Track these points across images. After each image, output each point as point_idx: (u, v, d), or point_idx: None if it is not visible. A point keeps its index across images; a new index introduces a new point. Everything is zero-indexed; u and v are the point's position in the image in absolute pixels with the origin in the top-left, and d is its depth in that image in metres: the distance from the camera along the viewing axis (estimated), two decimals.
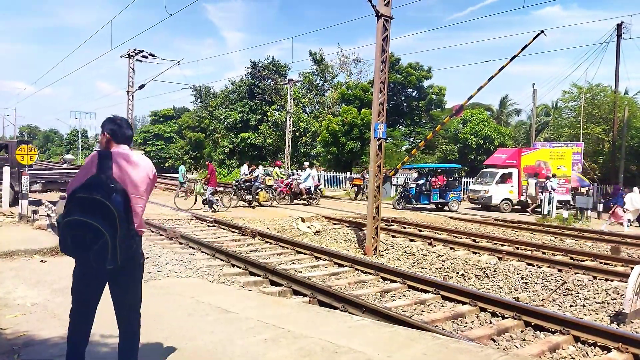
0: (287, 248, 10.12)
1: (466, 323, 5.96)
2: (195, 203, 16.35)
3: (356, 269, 8.44)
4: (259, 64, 41.56)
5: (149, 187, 2.99)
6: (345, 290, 7.08)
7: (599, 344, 5.15)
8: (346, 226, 13.55)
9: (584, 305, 6.95)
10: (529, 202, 19.59)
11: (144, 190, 2.95)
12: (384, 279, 7.87)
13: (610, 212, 15.85)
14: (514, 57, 19.88)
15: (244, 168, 22.37)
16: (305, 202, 19.42)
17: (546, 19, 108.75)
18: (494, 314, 6.21)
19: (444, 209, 19.60)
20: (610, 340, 5.08)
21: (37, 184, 14.17)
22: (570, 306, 7.00)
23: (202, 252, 9.16)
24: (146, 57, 26.84)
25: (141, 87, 27.95)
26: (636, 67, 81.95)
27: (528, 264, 9.25)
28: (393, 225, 14.25)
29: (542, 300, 7.32)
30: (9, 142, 16.32)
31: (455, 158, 31.73)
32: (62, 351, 3.15)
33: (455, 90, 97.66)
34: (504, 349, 5.10)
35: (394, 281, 7.66)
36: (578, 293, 7.40)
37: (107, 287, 2.96)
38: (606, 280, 8.02)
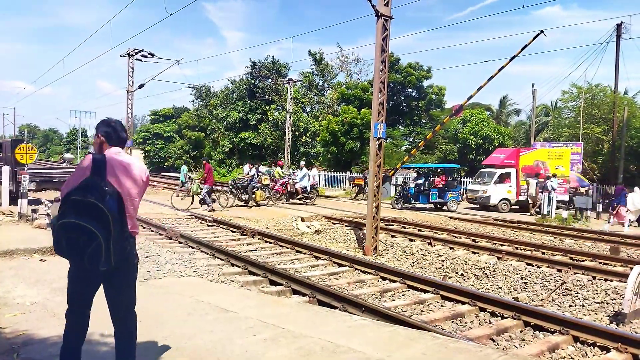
0: (287, 247, 10.12)
1: (465, 323, 5.96)
2: (192, 203, 16.32)
3: (356, 269, 8.44)
4: (259, 64, 41.57)
5: (142, 189, 3.05)
6: (345, 289, 7.08)
7: (598, 344, 5.16)
8: (346, 226, 13.55)
9: (583, 305, 6.96)
10: (530, 202, 19.57)
11: (137, 192, 3.01)
12: (384, 278, 7.87)
13: (614, 212, 15.87)
14: (514, 57, 19.89)
15: (246, 168, 22.36)
16: (301, 201, 19.36)
17: (546, 19, 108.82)
18: (493, 314, 6.22)
19: (443, 208, 19.61)
20: (609, 341, 5.08)
21: (32, 183, 14.12)
22: (570, 306, 7.00)
23: (202, 251, 9.16)
24: (146, 57, 26.84)
25: (141, 86, 27.95)
26: (636, 67, 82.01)
27: (527, 264, 9.25)
28: (392, 225, 14.25)
29: (542, 300, 7.32)
30: (4, 141, 16.29)
31: (455, 158, 31.74)
32: None
33: (454, 90, 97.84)
34: (503, 349, 5.10)
35: (394, 281, 7.66)
36: (577, 293, 7.40)
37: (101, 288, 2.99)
38: (605, 280, 8.02)
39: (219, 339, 4.15)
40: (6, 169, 13.25)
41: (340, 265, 8.73)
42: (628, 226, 15.55)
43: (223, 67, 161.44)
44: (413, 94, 37.86)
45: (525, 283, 8.07)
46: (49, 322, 4.34)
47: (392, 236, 12.38)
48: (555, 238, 13.04)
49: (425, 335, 4.48)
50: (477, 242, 11.70)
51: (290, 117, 32.31)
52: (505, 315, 6.04)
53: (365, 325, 4.79)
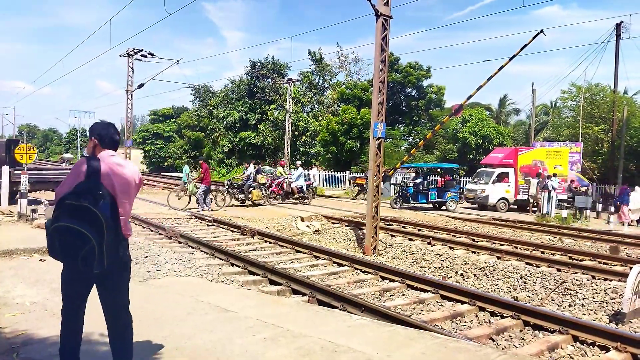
0: (287, 247, 10.12)
1: (465, 322, 5.96)
2: (189, 202, 16.28)
3: (355, 268, 8.44)
4: (259, 64, 41.56)
5: (135, 192, 3.12)
6: (345, 289, 7.08)
7: (597, 343, 5.16)
8: (345, 225, 13.55)
9: (582, 305, 6.96)
10: (531, 201, 19.55)
11: (130, 194, 3.07)
12: (383, 278, 7.87)
13: (620, 211, 15.90)
14: (514, 56, 19.89)
15: (250, 168, 22.34)
16: (297, 201, 19.30)
17: (545, 18, 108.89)
18: (492, 314, 6.22)
19: (442, 208, 19.61)
20: (608, 340, 5.08)
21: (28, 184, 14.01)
22: (569, 306, 7.00)
23: (202, 251, 9.16)
24: (145, 57, 26.78)
25: (140, 86, 27.90)
26: (635, 67, 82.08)
27: (527, 263, 9.26)
28: (392, 225, 14.25)
29: (541, 299, 7.33)
30: None
31: (455, 157, 31.74)
32: None
33: (454, 89, 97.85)
34: (502, 348, 5.10)
35: (393, 280, 7.66)
36: (577, 292, 7.41)
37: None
38: (605, 279, 8.03)
39: (218, 338, 4.15)
40: (5, 169, 13.24)
41: (339, 264, 8.73)
42: (628, 225, 15.58)
43: (222, 67, 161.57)
44: (413, 94, 37.87)
45: (525, 282, 8.08)
46: (48, 321, 4.34)
47: (392, 236, 12.38)
48: (554, 237, 13.04)
49: (424, 335, 4.49)
50: (477, 241, 11.70)
51: (289, 116, 32.31)
52: (504, 315, 6.04)
53: (364, 324, 4.79)
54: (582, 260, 9.74)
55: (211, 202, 16.27)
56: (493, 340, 5.34)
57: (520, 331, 5.67)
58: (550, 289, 7.68)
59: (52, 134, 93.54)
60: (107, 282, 3.00)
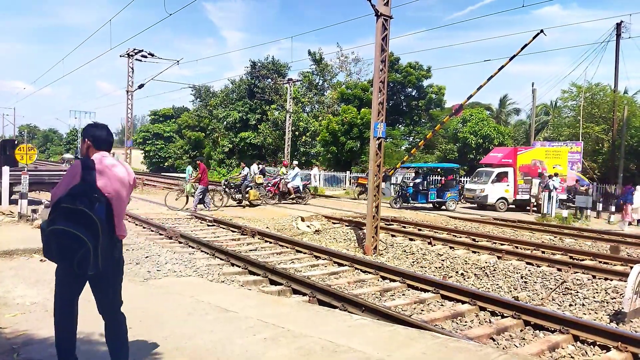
0: (287, 247, 10.11)
1: (466, 322, 5.96)
2: (187, 203, 16.25)
3: (356, 268, 8.44)
4: (259, 64, 41.56)
5: (129, 193, 3.15)
6: (345, 289, 7.08)
7: (598, 343, 5.16)
8: (346, 225, 13.55)
9: (583, 305, 6.96)
10: (533, 201, 19.52)
11: (125, 195, 3.10)
12: (384, 278, 7.87)
13: (623, 211, 15.90)
14: (514, 56, 19.88)
15: (254, 168, 22.32)
16: (294, 201, 19.25)
17: (545, 18, 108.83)
18: (493, 313, 6.21)
19: (442, 208, 19.61)
20: (609, 340, 5.08)
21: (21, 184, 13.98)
22: (570, 305, 7.00)
23: (202, 251, 9.16)
24: (145, 57, 26.81)
25: (141, 86, 27.94)
26: (635, 67, 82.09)
27: (527, 263, 9.26)
28: (393, 225, 14.25)
29: (542, 299, 7.32)
30: None
31: (455, 157, 31.72)
32: None
33: (454, 89, 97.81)
34: (503, 348, 5.10)
35: (394, 280, 7.66)
36: (577, 292, 7.40)
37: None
38: (605, 279, 8.02)
39: (219, 338, 4.15)
40: (6, 169, 13.24)
41: (340, 264, 8.73)
42: (629, 224, 15.58)
43: (223, 67, 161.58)
44: (413, 94, 37.87)
45: (526, 282, 8.07)
46: (49, 322, 4.31)
47: (392, 235, 12.37)
48: (555, 237, 13.04)
49: (425, 335, 4.48)
50: (477, 241, 11.70)
51: (290, 116, 32.31)
52: (505, 315, 6.04)
53: (365, 324, 4.79)
54: (583, 259, 9.73)
55: (212, 201, 16.26)
56: (494, 340, 5.34)
57: (521, 331, 5.67)
58: (551, 288, 7.68)
59: (53, 135, 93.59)
60: (102, 283, 3.03)
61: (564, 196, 20.09)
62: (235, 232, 11.86)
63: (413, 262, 9.81)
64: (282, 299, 6.24)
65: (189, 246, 9.62)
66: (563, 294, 7.44)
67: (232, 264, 8.18)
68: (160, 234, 10.81)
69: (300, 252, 9.70)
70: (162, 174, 44.63)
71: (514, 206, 20.32)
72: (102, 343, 3.76)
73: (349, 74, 40.54)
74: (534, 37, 19.30)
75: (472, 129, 30.67)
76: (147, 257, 8.15)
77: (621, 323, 6.10)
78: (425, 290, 7.09)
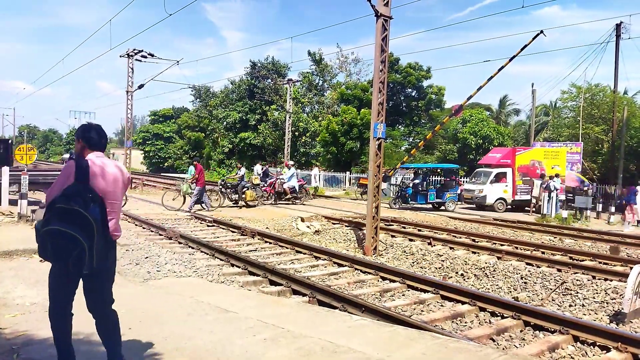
0: (287, 248, 10.11)
1: (465, 323, 5.96)
2: (184, 203, 16.23)
3: (355, 269, 8.43)
4: (259, 64, 41.58)
5: (123, 192, 3.19)
6: (345, 289, 7.08)
7: (598, 343, 5.16)
8: (345, 226, 13.55)
9: (583, 305, 6.96)
10: (534, 202, 19.51)
11: (119, 195, 3.14)
12: (384, 278, 7.87)
13: (627, 211, 15.90)
14: (514, 57, 19.90)
15: (257, 168, 22.28)
16: (290, 201, 19.20)
17: (545, 19, 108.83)
18: (493, 314, 6.21)
19: (441, 208, 19.61)
20: (609, 340, 5.08)
21: (15, 184, 13.98)
22: (570, 306, 7.00)
23: (202, 251, 9.16)
24: (145, 57, 26.84)
25: (140, 86, 27.96)
26: (635, 67, 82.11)
27: (527, 263, 9.25)
28: (392, 225, 14.25)
29: (542, 299, 7.32)
30: None
31: (455, 158, 31.74)
32: None
33: (454, 90, 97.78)
34: (503, 349, 5.10)
35: (394, 281, 7.66)
36: (577, 293, 7.40)
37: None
38: (605, 280, 8.02)
39: (219, 339, 4.15)
40: (5, 170, 13.24)
41: (340, 265, 8.73)
42: (629, 224, 15.58)
43: (223, 67, 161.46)
44: (413, 94, 37.90)
45: (525, 283, 8.07)
46: (48, 322, 4.31)
47: (392, 236, 12.38)
48: (555, 238, 13.04)
49: (425, 335, 4.48)
50: (477, 242, 11.70)
51: (290, 117, 32.32)
52: (505, 315, 6.04)
53: (365, 325, 4.79)
54: (583, 260, 9.73)
55: (211, 201, 16.24)
56: (493, 341, 5.33)
57: (521, 331, 5.67)
58: (551, 289, 7.68)
59: (53, 135, 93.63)
60: (96, 282, 3.08)
61: (562, 196, 20.10)
62: (235, 232, 11.86)
63: (413, 262, 9.81)
64: (282, 299, 6.24)
65: (189, 247, 9.62)
66: (563, 295, 7.44)
67: (232, 265, 8.17)
68: (160, 235, 10.80)
69: (300, 252, 9.70)
70: (161, 174, 44.60)
71: (513, 206, 20.31)
72: (101, 343, 3.76)
73: (349, 75, 40.60)
74: (533, 38, 19.33)
75: (472, 130, 30.69)
76: (147, 257, 8.15)
77: (621, 323, 6.10)
78: (425, 291, 7.09)
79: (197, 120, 49.78)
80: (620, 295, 6.94)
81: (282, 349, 3.94)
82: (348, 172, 30.65)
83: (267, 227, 13.01)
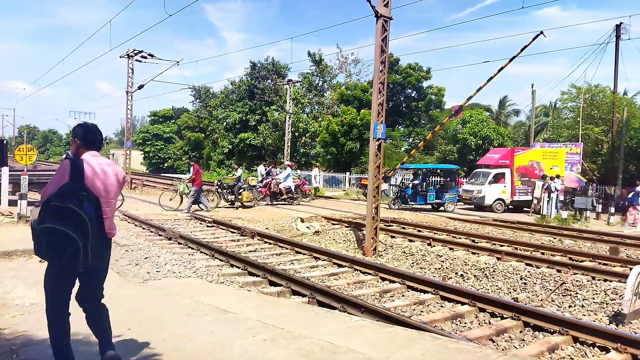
0: (286, 248, 10.11)
1: (465, 323, 5.96)
2: (181, 203, 16.22)
3: (355, 269, 8.44)
4: (259, 65, 41.59)
5: (118, 191, 3.22)
6: (345, 290, 7.08)
7: (597, 344, 5.16)
8: (345, 226, 13.55)
9: (582, 306, 6.96)
10: (535, 203, 19.50)
11: (114, 194, 3.17)
12: (383, 279, 7.87)
13: (629, 212, 15.90)
14: (513, 57, 19.87)
15: (261, 168, 22.27)
16: (286, 202, 19.13)
17: (545, 19, 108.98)
18: (492, 315, 6.21)
19: (440, 209, 19.61)
20: (609, 341, 5.08)
21: (10, 185, 13.93)
22: (569, 306, 7.00)
23: (201, 252, 9.16)
24: (145, 58, 26.78)
25: (140, 87, 27.89)
26: (635, 68, 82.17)
27: (527, 264, 9.26)
28: (392, 226, 14.25)
29: (541, 300, 7.32)
30: None
31: (455, 159, 31.74)
32: None
33: (454, 90, 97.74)
34: (502, 350, 5.10)
35: (393, 281, 7.66)
36: (577, 293, 7.41)
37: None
38: (605, 280, 8.03)
39: (218, 339, 4.15)
40: (5, 170, 13.24)
41: (339, 265, 8.73)
42: (630, 226, 15.59)
43: (222, 68, 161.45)
44: (413, 95, 37.91)
45: (525, 283, 8.07)
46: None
47: (392, 237, 12.38)
48: (554, 238, 13.04)
49: (424, 336, 4.48)
50: (477, 242, 11.70)
51: (289, 117, 32.32)
52: (504, 316, 6.04)
53: (364, 325, 4.79)
54: (582, 261, 9.74)
55: (208, 202, 16.23)
56: (493, 341, 5.33)
57: (520, 332, 5.67)
58: (550, 289, 7.68)
59: (52, 135, 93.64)
60: (92, 279, 3.13)
61: (561, 197, 20.10)
62: (234, 233, 11.86)
63: (412, 263, 9.81)
64: (281, 300, 6.23)
65: (189, 247, 9.62)
66: (562, 295, 7.44)
67: (232, 265, 8.17)
68: (160, 235, 10.80)
69: (300, 253, 9.70)
70: (161, 174, 44.61)
71: (511, 207, 20.31)
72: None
73: (349, 75, 40.61)
74: (533, 39, 19.30)
75: (472, 130, 30.70)
76: (147, 258, 8.15)
77: (620, 324, 6.10)
78: (425, 292, 7.09)
79: (197, 120, 49.79)
80: (619, 296, 6.94)
81: (281, 350, 3.94)
82: (348, 173, 30.65)
83: (266, 228, 13.01)
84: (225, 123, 41.91)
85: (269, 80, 40.40)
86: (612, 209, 18.10)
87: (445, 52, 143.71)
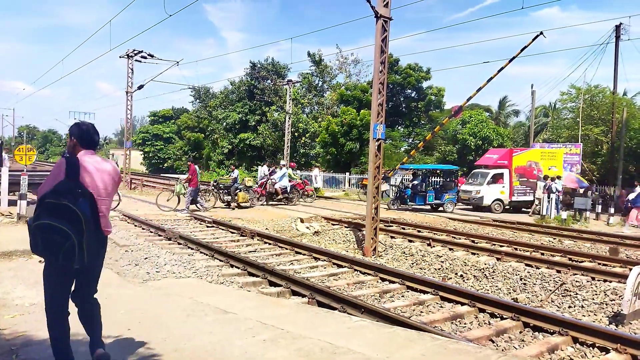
0: (286, 249, 10.11)
1: (465, 324, 5.96)
2: (178, 203, 16.20)
3: (355, 270, 8.43)
4: (258, 65, 41.59)
5: (114, 189, 3.25)
6: (344, 290, 7.08)
7: (597, 344, 5.16)
8: (345, 227, 13.55)
9: (582, 306, 6.96)
10: (536, 203, 19.49)
11: (110, 192, 3.20)
12: (383, 279, 7.87)
13: (632, 213, 15.88)
14: (513, 58, 19.89)
15: (264, 169, 22.22)
16: (282, 202, 19.07)
17: (545, 20, 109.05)
18: (492, 315, 6.21)
19: (439, 209, 19.61)
20: (608, 341, 5.08)
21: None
22: (569, 307, 7.00)
23: (201, 252, 9.15)
24: (145, 58, 26.78)
25: (140, 87, 27.90)
26: (635, 69, 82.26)
27: (527, 264, 9.26)
28: (392, 226, 14.25)
29: (541, 301, 7.32)
30: None
31: (454, 159, 31.75)
32: None
33: (454, 91, 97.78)
34: (502, 350, 5.10)
35: (393, 282, 7.66)
36: (576, 294, 7.41)
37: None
38: (605, 281, 8.03)
39: (218, 340, 4.15)
40: (5, 170, 13.23)
41: (339, 266, 8.73)
42: (630, 227, 15.59)
43: (222, 68, 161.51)
44: (412, 95, 37.92)
45: (525, 284, 8.08)
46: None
47: (392, 237, 12.38)
48: (554, 239, 13.04)
49: (424, 336, 4.49)
50: (476, 243, 11.70)
51: (289, 118, 32.32)
52: (504, 316, 6.04)
53: (364, 326, 4.79)
54: (582, 261, 9.74)
55: (205, 202, 16.22)
56: (493, 342, 5.34)
57: (520, 332, 5.67)
58: (550, 290, 7.68)
59: (52, 135, 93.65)
60: (87, 276, 3.16)
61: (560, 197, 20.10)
62: (234, 233, 11.86)
63: (412, 263, 9.81)
64: (281, 300, 6.23)
65: (188, 247, 9.61)
66: (562, 296, 7.45)
67: (232, 265, 8.17)
68: (160, 235, 10.80)
69: (300, 253, 9.70)
70: (161, 175, 44.61)
71: (510, 208, 20.31)
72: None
73: (349, 76, 40.63)
74: (533, 39, 19.32)
75: (472, 131, 30.70)
76: (146, 258, 8.15)
77: (620, 325, 6.11)
78: (425, 292, 7.09)
79: (197, 121, 49.80)
80: (619, 297, 6.94)
81: (281, 350, 3.94)
82: (348, 173, 30.64)
83: (266, 228, 13.01)
84: (225, 123, 41.92)
85: (269, 81, 40.40)
86: (612, 210, 18.10)
87: (445, 52, 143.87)
